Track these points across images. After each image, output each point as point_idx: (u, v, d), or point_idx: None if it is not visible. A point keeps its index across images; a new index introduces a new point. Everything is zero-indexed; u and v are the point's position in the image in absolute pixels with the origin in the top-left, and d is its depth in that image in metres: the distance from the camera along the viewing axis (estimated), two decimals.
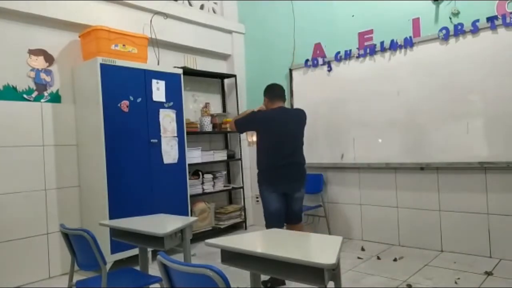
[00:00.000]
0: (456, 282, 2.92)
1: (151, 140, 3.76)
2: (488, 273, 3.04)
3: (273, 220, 3.11)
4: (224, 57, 5.26)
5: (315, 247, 1.96)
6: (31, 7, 3.35)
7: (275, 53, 4.95)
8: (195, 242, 4.04)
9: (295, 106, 4.62)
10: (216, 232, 4.55)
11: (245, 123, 3.29)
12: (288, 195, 3.19)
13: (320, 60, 4.44)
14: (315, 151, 4.27)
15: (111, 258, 3.37)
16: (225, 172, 4.96)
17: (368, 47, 4.05)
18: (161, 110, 3.88)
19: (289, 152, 3.15)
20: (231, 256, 1.88)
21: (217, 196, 4.98)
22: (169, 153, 3.92)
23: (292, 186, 3.17)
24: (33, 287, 3.29)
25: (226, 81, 5.24)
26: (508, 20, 3.23)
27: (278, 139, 3.13)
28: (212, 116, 4.81)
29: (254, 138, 3.93)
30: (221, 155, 4.86)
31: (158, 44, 4.33)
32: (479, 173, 3.47)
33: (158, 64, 4.26)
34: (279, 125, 3.14)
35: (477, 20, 3.38)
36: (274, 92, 3.30)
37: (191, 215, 4.21)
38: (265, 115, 3.22)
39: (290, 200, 3.20)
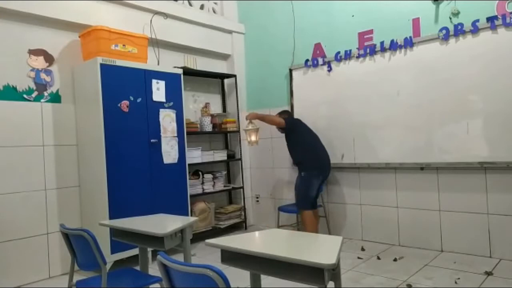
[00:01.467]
0: (456, 282, 2.92)
1: (151, 140, 3.76)
2: (488, 273, 3.05)
3: (312, 203, 3.92)
4: (224, 57, 5.26)
5: (315, 247, 1.96)
6: (31, 7, 3.35)
7: (275, 53, 4.95)
8: (195, 242, 4.04)
9: (295, 106, 4.66)
10: (216, 232, 4.55)
11: (292, 123, 4.08)
12: (323, 180, 4.03)
13: (320, 60, 4.44)
14: None
15: (111, 258, 3.37)
16: (225, 172, 4.96)
17: (368, 47, 4.05)
18: (161, 110, 3.88)
19: (322, 146, 4.08)
20: (231, 256, 1.88)
21: (217, 196, 4.98)
22: (169, 153, 3.92)
23: (329, 172, 4.08)
24: (33, 287, 3.29)
25: (226, 81, 5.24)
26: (508, 20, 3.23)
27: (314, 137, 4.08)
28: (212, 116, 4.81)
29: (253, 138, 3.96)
30: (221, 155, 4.86)
31: (158, 44, 4.33)
32: (479, 173, 3.47)
33: (158, 64, 4.26)
34: (309, 128, 4.11)
35: (477, 20, 3.38)
36: (290, 113, 4.37)
37: (191, 215, 4.21)
38: (298, 120, 4.19)
39: (322, 184, 4.01)
